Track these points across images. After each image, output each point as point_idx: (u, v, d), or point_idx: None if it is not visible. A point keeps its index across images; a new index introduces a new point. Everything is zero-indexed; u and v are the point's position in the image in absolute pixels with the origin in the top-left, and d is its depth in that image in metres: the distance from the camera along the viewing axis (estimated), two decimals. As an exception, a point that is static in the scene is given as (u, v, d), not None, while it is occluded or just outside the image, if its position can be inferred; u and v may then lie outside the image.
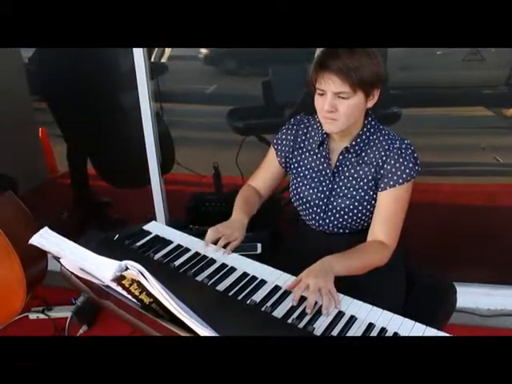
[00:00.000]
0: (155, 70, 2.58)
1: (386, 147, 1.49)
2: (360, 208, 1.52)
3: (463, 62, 2.51)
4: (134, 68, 2.40)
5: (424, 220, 2.47)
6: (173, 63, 2.92)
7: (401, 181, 1.46)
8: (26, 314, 2.48)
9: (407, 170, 1.46)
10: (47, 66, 2.88)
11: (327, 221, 1.57)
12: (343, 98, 1.39)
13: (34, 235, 1.12)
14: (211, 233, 1.52)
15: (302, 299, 1.28)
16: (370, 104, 1.46)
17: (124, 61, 2.51)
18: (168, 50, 2.93)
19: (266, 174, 1.71)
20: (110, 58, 2.69)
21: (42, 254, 2.25)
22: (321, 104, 1.43)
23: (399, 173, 1.46)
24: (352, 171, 1.53)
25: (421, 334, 1.18)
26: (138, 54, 2.36)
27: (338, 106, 1.40)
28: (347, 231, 1.58)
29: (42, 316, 2.51)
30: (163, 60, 2.97)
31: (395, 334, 1.19)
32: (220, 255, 1.48)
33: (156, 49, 2.80)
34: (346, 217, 1.54)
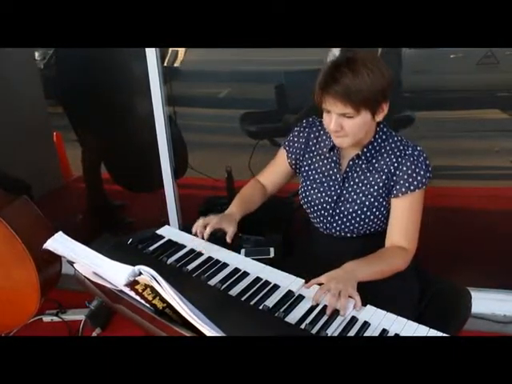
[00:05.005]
0: (168, 75, 2.59)
1: (398, 154, 1.48)
2: (368, 213, 1.51)
3: (478, 65, 2.49)
4: (148, 73, 2.42)
5: (438, 224, 2.45)
6: (186, 67, 2.93)
7: (413, 188, 1.45)
8: (40, 317, 2.50)
9: (419, 177, 1.45)
10: (63, 71, 2.90)
11: (334, 224, 1.57)
12: (348, 117, 1.39)
13: (48, 240, 1.13)
14: (200, 221, 1.55)
15: (314, 306, 1.28)
16: (380, 118, 1.45)
17: (138, 65, 2.52)
18: (181, 55, 2.94)
19: (274, 172, 1.72)
20: (124, 62, 2.71)
21: (56, 258, 2.27)
22: (328, 122, 1.44)
23: (411, 180, 1.45)
24: (362, 177, 1.53)
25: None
26: (152, 58, 2.38)
27: (343, 124, 1.41)
28: (354, 235, 1.57)
29: (55, 319, 2.53)
30: (176, 64, 2.98)
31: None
32: (233, 259, 1.49)
33: (169, 53, 2.81)
34: (353, 221, 1.54)
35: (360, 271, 1.37)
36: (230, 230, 1.52)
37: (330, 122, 1.42)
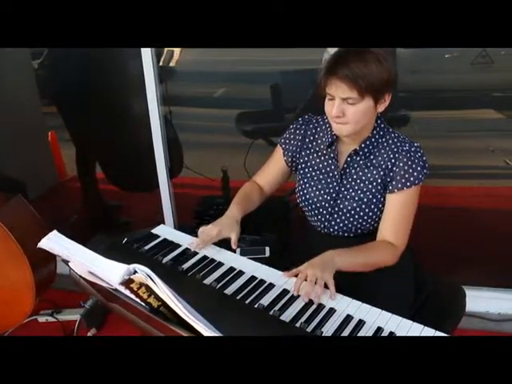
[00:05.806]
0: (164, 74, 2.59)
1: (395, 150, 1.48)
2: (367, 211, 1.51)
3: (472, 65, 2.50)
4: (143, 72, 2.41)
5: (433, 223, 2.46)
6: (181, 67, 2.92)
7: (409, 184, 1.46)
8: (34, 317, 2.49)
9: (415, 174, 1.45)
10: (57, 71, 2.90)
11: (333, 223, 1.57)
12: (351, 103, 1.39)
13: (43, 238, 1.13)
14: (201, 236, 1.53)
15: (309, 303, 1.29)
16: (381, 108, 1.46)
17: (133, 65, 2.52)
18: (176, 54, 2.93)
19: (271, 171, 1.71)
20: (119, 62, 2.70)
21: (51, 258, 2.26)
22: (330, 108, 1.43)
23: (407, 176, 1.45)
24: (360, 174, 1.53)
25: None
26: (147, 58, 2.37)
27: (345, 111, 1.41)
28: (352, 235, 1.57)
29: (51, 319, 2.52)
30: (171, 64, 2.98)
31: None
32: (228, 258, 1.49)
33: (164, 53, 2.80)
34: (351, 219, 1.53)
35: (339, 259, 1.38)
36: (233, 236, 1.52)
37: (332, 107, 1.42)
